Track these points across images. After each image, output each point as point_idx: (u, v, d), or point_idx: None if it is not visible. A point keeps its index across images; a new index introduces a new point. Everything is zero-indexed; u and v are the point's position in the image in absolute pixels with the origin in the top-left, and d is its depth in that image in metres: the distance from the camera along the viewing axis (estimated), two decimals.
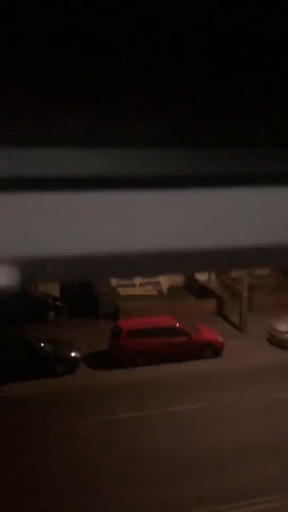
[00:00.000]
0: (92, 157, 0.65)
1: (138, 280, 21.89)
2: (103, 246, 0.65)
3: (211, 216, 0.69)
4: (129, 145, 0.66)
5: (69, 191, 0.62)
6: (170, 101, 0.69)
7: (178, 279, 22.67)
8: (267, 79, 0.70)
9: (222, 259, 0.75)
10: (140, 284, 21.80)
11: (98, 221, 0.64)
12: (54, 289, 20.00)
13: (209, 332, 17.20)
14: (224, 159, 0.70)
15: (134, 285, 21.77)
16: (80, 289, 20.16)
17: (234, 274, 21.99)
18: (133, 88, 0.67)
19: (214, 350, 16.68)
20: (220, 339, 16.93)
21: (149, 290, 21.81)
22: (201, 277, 22.64)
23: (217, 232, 0.69)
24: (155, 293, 21.83)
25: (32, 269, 0.64)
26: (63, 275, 0.70)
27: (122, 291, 21.13)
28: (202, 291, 21.67)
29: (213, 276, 22.93)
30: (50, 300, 19.50)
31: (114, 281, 21.21)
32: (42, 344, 15.36)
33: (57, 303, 19.54)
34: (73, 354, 15.60)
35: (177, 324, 16.67)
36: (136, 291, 21.61)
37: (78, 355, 15.69)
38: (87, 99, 0.66)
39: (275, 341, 17.55)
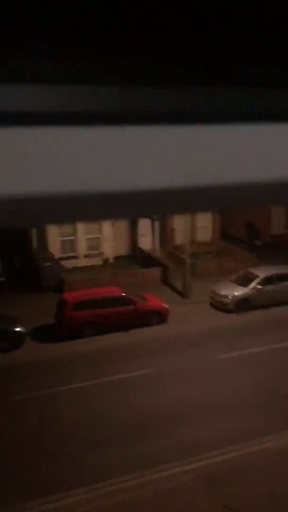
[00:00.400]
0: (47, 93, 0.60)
1: (82, 252, 21.78)
2: (44, 187, 0.58)
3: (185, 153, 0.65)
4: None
5: (11, 126, 0.57)
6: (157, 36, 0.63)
7: (122, 249, 22.78)
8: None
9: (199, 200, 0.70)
10: (85, 256, 21.71)
11: (39, 159, 0.58)
12: None
13: (155, 300, 17.55)
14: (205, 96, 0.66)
15: (78, 257, 21.66)
16: (22, 263, 19.80)
17: (177, 242, 22.39)
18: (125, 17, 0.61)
19: (160, 317, 17.07)
20: (166, 306, 17.33)
21: (94, 261, 21.79)
22: (146, 246, 22.85)
23: (196, 169, 0.65)
24: (100, 263, 21.84)
25: None
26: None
27: (66, 264, 20.97)
28: (147, 260, 21.93)
29: (157, 245, 23.21)
30: None
31: (57, 254, 20.99)
32: None
33: None
34: (17, 329, 15.44)
35: (123, 294, 16.85)
36: (81, 262, 21.53)
37: (23, 330, 15.55)
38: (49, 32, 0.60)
39: (217, 305, 18.21)
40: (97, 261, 21.90)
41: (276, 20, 0.67)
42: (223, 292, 18.14)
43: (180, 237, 21.97)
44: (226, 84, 0.67)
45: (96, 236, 21.88)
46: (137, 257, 22.63)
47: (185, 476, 9.62)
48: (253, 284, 18.13)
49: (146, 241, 22.93)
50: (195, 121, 0.65)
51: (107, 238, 22.08)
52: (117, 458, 10.05)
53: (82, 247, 21.86)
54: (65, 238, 21.44)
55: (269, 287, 18.12)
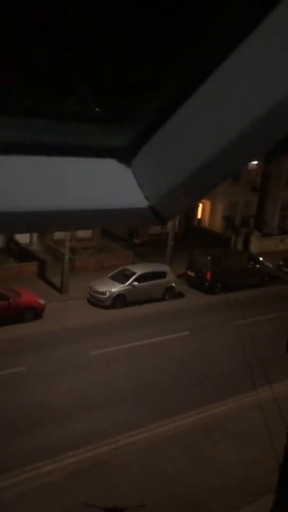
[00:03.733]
0: None
1: None
2: None
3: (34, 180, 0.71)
4: None
5: None
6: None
7: None
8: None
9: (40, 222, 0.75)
10: None
11: None
12: None
13: (30, 295, 17.04)
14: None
15: None
16: None
17: (57, 236, 22.01)
18: None
19: (34, 313, 16.63)
20: (41, 301, 16.92)
21: None
22: (23, 239, 22.08)
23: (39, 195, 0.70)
24: None
25: None
26: None
27: None
28: (24, 254, 21.22)
29: (35, 239, 22.58)
30: None
31: None
32: None
33: None
34: None
35: None
36: None
37: None
38: None
39: (94, 301, 18.30)
40: None
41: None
42: (101, 288, 18.28)
43: (59, 232, 21.62)
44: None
45: None
46: (12, 251, 21.77)
47: (51, 475, 9.48)
48: (129, 281, 18.56)
49: (23, 234, 22.17)
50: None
51: None
52: None
53: None
54: None
55: (144, 284, 18.72)
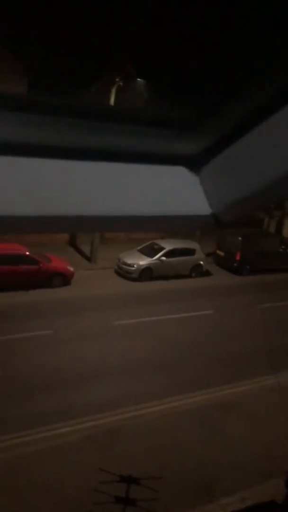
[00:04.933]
0: None
1: None
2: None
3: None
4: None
5: None
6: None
7: None
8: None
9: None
10: None
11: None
12: None
13: (59, 262, 17.33)
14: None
15: None
16: None
17: None
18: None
19: (63, 279, 16.93)
20: (70, 268, 17.20)
21: None
22: None
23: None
24: None
25: None
26: None
27: None
28: None
29: None
30: None
31: None
32: None
33: None
34: None
35: (27, 252, 16.40)
36: None
37: None
38: None
39: (121, 272, 18.48)
40: None
41: None
42: (129, 260, 18.41)
43: None
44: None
45: None
46: None
47: (70, 436, 9.83)
48: (158, 255, 18.61)
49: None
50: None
51: None
52: (4, 416, 9.97)
53: None
54: None
55: (172, 260, 18.74)
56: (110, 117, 0.73)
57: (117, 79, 22.57)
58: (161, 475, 7.72)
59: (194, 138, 0.79)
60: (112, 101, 21.93)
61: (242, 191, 0.78)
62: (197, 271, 19.49)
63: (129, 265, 18.32)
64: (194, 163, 0.81)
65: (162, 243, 19.51)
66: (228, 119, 0.77)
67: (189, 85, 0.78)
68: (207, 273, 19.81)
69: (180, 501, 8.50)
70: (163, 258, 18.62)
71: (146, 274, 18.33)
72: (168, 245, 19.16)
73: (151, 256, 18.65)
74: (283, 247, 21.75)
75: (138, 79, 26.79)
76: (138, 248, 19.34)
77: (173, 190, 0.80)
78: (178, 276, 18.74)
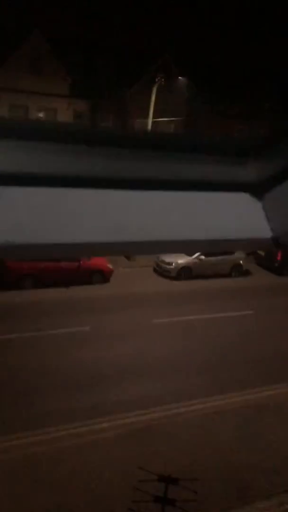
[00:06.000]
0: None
1: None
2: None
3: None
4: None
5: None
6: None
7: None
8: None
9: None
10: None
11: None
12: None
13: (99, 259, 17.53)
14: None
15: None
16: None
17: None
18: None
19: (102, 276, 17.14)
20: (110, 266, 17.38)
21: None
22: None
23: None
24: None
25: None
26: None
27: None
28: None
29: None
30: None
31: None
32: None
33: None
34: None
35: None
36: None
37: None
38: None
39: (160, 271, 18.50)
40: None
41: None
42: (168, 259, 18.41)
43: None
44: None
45: None
46: None
47: (109, 431, 9.95)
48: (197, 254, 18.51)
49: None
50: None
51: None
52: (46, 409, 10.21)
53: None
54: None
55: (211, 259, 18.59)
56: (177, 146, 0.75)
57: (157, 78, 22.53)
58: (198, 477, 7.69)
59: (259, 166, 0.81)
60: (152, 99, 21.94)
61: None
62: (237, 270, 19.26)
63: (168, 263, 18.31)
64: (258, 190, 0.83)
65: None
66: None
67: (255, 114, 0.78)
68: (247, 273, 19.54)
69: (216, 503, 8.45)
70: (202, 257, 18.50)
71: (185, 273, 18.27)
72: None
73: (190, 255, 18.58)
74: None
75: (180, 78, 26.66)
76: None
77: (235, 215, 0.82)
78: (217, 276, 18.57)
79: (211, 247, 0.83)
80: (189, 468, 8.64)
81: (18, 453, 9.05)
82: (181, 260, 18.35)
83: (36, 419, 9.85)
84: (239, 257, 19.32)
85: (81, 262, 16.61)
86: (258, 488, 8.97)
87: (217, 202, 0.80)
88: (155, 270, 18.68)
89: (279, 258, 19.67)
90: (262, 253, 20.35)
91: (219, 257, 18.75)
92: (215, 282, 18.24)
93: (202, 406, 11.11)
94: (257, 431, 10.49)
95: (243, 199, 0.82)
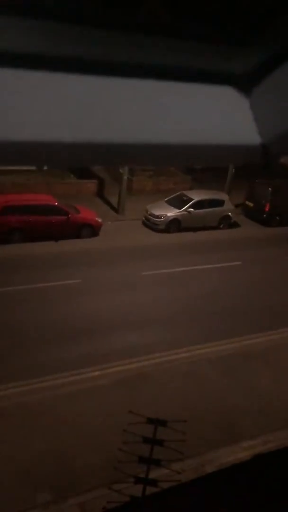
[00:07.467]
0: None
1: None
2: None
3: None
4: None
5: None
6: None
7: None
8: None
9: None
10: None
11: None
12: None
13: (88, 213, 17.44)
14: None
15: None
16: None
17: None
18: None
19: (92, 230, 17.10)
20: (98, 219, 17.31)
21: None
22: None
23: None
24: (34, 168, 20.96)
25: None
26: None
27: None
28: (84, 171, 21.42)
29: None
30: None
31: None
32: None
33: None
34: None
35: (56, 203, 16.54)
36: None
37: None
38: None
39: (149, 224, 18.49)
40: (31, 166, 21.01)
41: None
42: (157, 211, 18.36)
43: None
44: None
45: None
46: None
47: (101, 379, 10.27)
48: (186, 207, 18.47)
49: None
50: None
51: None
52: (38, 360, 10.46)
53: None
54: None
55: (200, 211, 18.59)
56: (151, 30, 0.61)
57: None
58: (187, 419, 8.04)
59: (244, 55, 0.67)
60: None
61: None
62: (226, 222, 19.32)
63: (157, 216, 18.28)
64: (245, 83, 0.69)
65: (190, 194, 19.30)
66: (283, 33, 0.64)
67: None
68: (236, 225, 19.63)
69: (204, 443, 8.89)
70: (191, 209, 18.48)
71: (174, 225, 18.29)
72: (196, 196, 18.95)
73: (179, 207, 18.52)
74: None
75: None
76: (166, 199, 19.20)
77: (219, 114, 0.69)
78: (206, 228, 18.65)
79: (193, 154, 0.69)
80: (178, 411, 9.00)
81: (11, 402, 9.35)
82: (170, 212, 18.32)
83: (29, 369, 10.10)
84: (228, 208, 19.32)
85: (70, 215, 16.51)
86: (245, 428, 9.43)
87: (197, 95, 0.67)
88: (144, 223, 18.66)
89: (267, 209, 19.72)
90: (250, 204, 20.36)
91: (208, 209, 18.75)
92: (204, 234, 18.33)
93: (190, 354, 11.46)
94: (243, 377, 10.90)
95: (227, 93, 0.69)
